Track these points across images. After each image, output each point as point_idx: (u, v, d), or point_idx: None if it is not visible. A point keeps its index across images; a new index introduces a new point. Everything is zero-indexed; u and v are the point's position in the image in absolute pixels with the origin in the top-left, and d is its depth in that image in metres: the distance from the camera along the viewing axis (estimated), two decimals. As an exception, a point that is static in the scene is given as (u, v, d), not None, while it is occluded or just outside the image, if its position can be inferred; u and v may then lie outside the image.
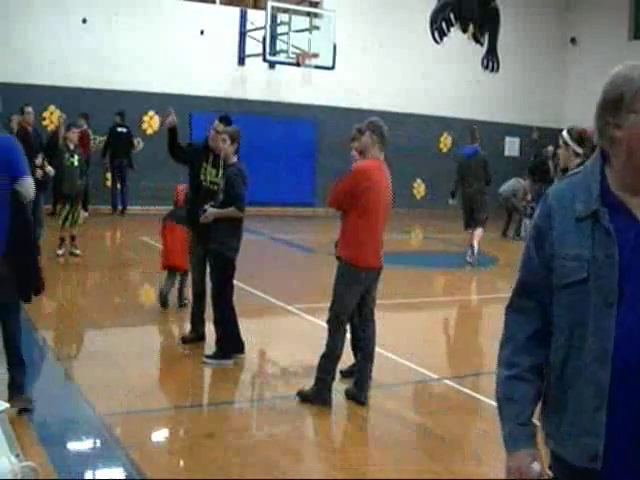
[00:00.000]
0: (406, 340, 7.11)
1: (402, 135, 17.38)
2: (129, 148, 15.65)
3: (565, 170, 5.68)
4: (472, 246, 11.79)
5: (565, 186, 2.02)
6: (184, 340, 6.66)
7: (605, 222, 1.87)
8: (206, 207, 6.16)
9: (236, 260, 6.26)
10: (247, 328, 6.54)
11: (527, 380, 2.01)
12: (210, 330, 6.53)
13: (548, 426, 2.03)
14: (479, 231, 11.91)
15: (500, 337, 2.12)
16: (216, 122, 6.50)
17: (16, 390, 4.71)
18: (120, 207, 15.73)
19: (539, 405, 2.08)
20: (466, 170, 12.00)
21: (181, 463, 4.51)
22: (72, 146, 10.24)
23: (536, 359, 2.02)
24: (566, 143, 5.43)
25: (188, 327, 6.75)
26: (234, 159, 6.17)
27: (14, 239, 4.55)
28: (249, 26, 17.28)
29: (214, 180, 6.45)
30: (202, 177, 6.53)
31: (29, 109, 10.84)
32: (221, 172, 6.41)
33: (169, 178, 16.55)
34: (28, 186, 4.53)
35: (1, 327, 4.76)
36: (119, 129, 15.53)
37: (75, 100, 14.98)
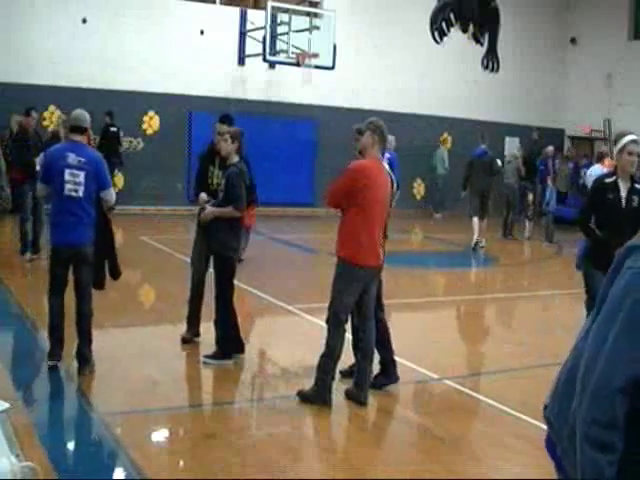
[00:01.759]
0: (406, 340, 7.11)
1: (402, 135, 17.40)
2: (118, 147, 15.74)
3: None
4: (475, 234, 13.96)
5: None
6: (184, 340, 6.66)
7: None
8: (206, 206, 6.18)
9: (236, 260, 6.26)
10: (247, 328, 6.54)
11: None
12: (208, 329, 6.52)
13: None
14: (484, 222, 14.05)
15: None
16: (218, 124, 6.53)
17: (84, 361, 5.72)
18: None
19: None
20: (478, 167, 14.11)
21: (181, 463, 4.51)
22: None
23: None
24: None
25: (183, 327, 6.73)
26: (235, 159, 6.18)
27: (99, 234, 5.77)
28: (249, 26, 17.28)
29: (220, 182, 6.46)
30: (209, 181, 6.58)
31: (34, 114, 10.90)
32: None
33: (169, 178, 16.66)
34: (111, 195, 5.81)
35: (76, 305, 5.82)
36: (112, 129, 15.60)
37: (76, 100, 14.94)
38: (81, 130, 5.73)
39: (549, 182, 15.98)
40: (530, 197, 16.33)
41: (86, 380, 5.64)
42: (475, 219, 14.06)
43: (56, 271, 5.76)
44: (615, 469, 1.91)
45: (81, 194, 5.59)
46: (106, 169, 5.81)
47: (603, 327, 1.96)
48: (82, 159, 5.59)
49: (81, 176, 5.58)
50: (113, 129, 15.68)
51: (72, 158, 5.58)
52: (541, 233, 15.84)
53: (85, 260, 5.70)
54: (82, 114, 5.81)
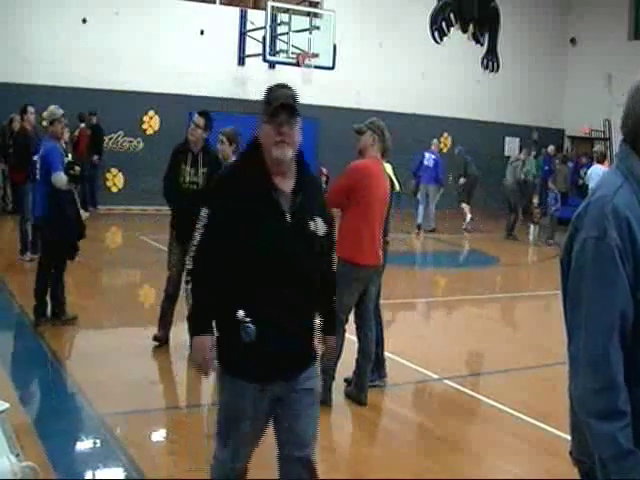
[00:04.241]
0: (406, 340, 7.11)
1: (402, 135, 17.41)
2: (101, 145, 15.73)
3: None
4: (468, 217, 16.57)
5: (626, 193, 1.89)
6: (158, 340, 6.52)
7: None
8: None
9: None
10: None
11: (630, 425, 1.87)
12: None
13: None
14: (468, 207, 16.68)
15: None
16: (196, 116, 6.52)
17: (54, 315, 6.97)
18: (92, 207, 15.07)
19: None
20: (465, 164, 16.74)
21: (181, 463, 4.51)
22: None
23: None
24: None
25: (185, 327, 6.68)
26: (234, 159, 6.18)
27: (51, 213, 6.77)
28: (249, 26, 17.28)
29: (193, 180, 6.45)
30: (181, 179, 6.47)
31: (32, 109, 10.85)
32: (201, 170, 6.43)
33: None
34: (57, 178, 6.74)
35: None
36: (96, 128, 15.59)
37: (75, 100, 14.98)
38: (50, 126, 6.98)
39: (550, 183, 15.80)
40: (535, 200, 16.27)
41: (86, 380, 5.64)
42: (464, 205, 16.61)
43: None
44: (629, 433, 1.83)
45: (38, 177, 6.93)
46: (55, 156, 6.82)
47: (574, 295, 1.91)
48: (42, 149, 6.95)
49: (38, 163, 6.93)
50: (98, 129, 15.68)
51: (42, 149, 6.97)
52: (543, 235, 15.80)
53: (40, 231, 7.25)
54: (47, 113, 7.09)
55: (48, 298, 7.05)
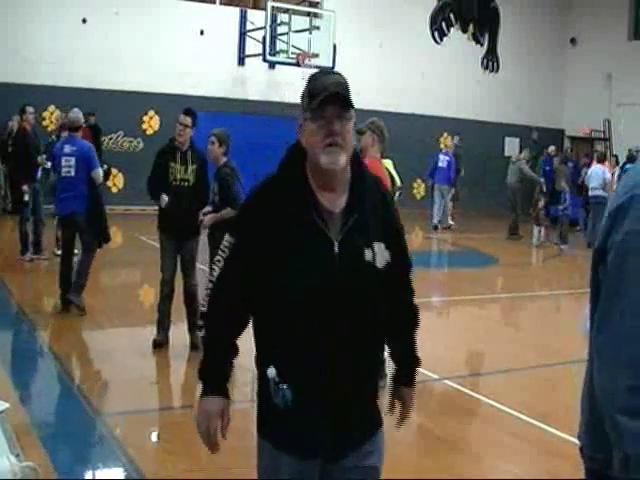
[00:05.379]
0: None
1: (402, 135, 17.42)
2: (100, 144, 15.70)
3: None
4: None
5: None
6: (159, 344, 6.47)
7: None
8: (202, 213, 6.14)
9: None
10: (247, 328, 6.51)
11: None
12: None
13: None
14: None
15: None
16: (182, 116, 6.50)
17: (69, 301, 7.40)
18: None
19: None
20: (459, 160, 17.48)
21: (181, 463, 4.51)
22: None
23: None
24: None
25: (184, 327, 6.65)
26: (224, 159, 6.18)
27: (91, 206, 7.43)
28: (249, 26, 17.29)
29: (184, 177, 6.44)
30: (171, 177, 6.44)
31: (31, 109, 10.84)
32: (190, 168, 6.42)
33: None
34: (98, 174, 7.62)
35: (80, 259, 7.63)
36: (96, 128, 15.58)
37: (75, 100, 14.95)
38: (76, 128, 7.64)
39: (564, 184, 15.61)
40: (541, 203, 16.25)
41: (86, 380, 5.65)
42: (450, 203, 17.50)
43: (63, 235, 7.95)
44: None
45: (73, 174, 7.40)
46: (94, 154, 7.66)
47: (609, 288, 1.85)
48: (74, 148, 7.48)
49: (72, 161, 7.41)
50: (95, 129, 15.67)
51: (67, 148, 7.52)
52: (549, 236, 15.73)
53: (76, 225, 7.43)
54: (77, 117, 7.69)
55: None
